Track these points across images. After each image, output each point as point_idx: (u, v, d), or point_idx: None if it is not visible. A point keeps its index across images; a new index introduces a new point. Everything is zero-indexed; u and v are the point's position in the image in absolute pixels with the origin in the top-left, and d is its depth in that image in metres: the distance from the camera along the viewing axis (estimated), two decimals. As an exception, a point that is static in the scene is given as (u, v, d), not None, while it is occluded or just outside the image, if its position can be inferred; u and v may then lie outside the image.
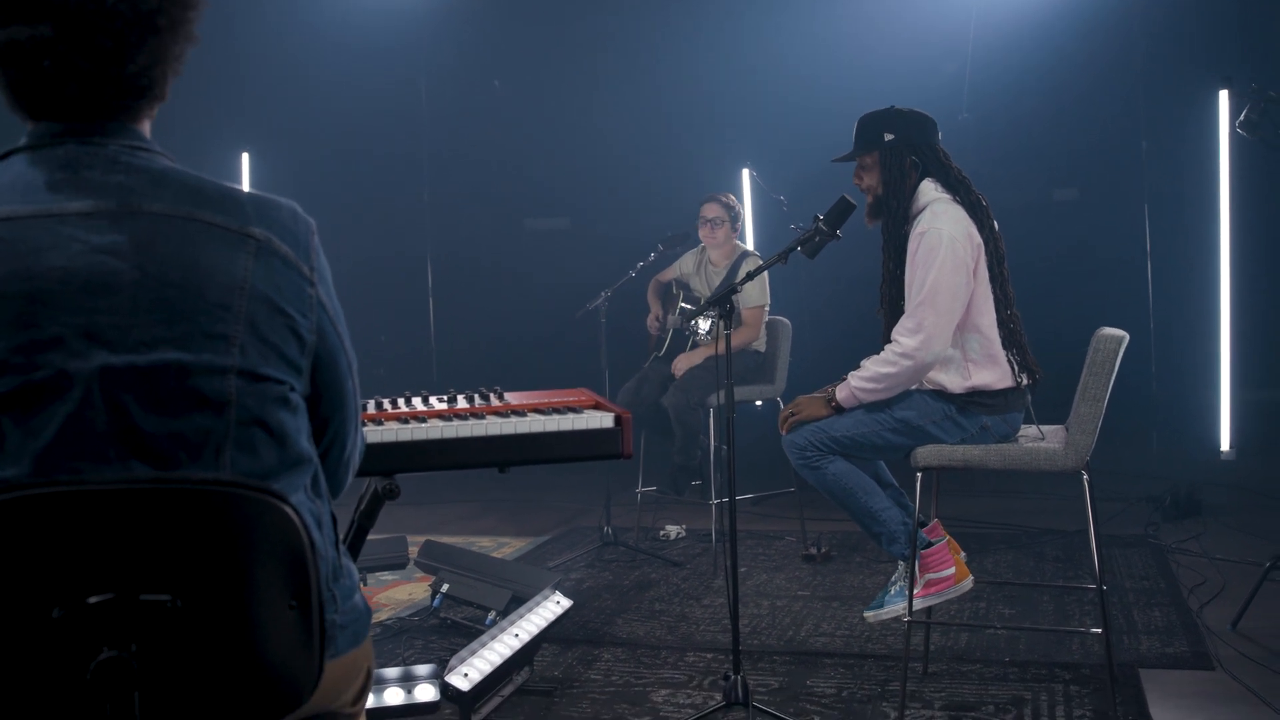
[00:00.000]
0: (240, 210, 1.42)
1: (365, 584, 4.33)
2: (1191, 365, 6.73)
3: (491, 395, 2.23)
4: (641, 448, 5.26)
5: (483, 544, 5.36)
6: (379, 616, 4.16)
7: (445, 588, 3.97)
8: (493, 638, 3.18)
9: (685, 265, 5.47)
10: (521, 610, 3.39)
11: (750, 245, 6.15)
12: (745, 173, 6.90)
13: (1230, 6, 6.63)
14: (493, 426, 2.04)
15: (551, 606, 3.50)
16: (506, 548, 5.35)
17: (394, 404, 2.20)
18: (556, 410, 2.13)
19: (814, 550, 4.90)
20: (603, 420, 2.09)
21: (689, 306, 5.32)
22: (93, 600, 1.23)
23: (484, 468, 2.07)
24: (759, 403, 5.90)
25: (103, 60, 1.36)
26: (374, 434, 2.00)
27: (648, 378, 5.25)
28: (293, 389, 1.44)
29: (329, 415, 1.53)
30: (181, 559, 1.27)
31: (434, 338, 8.18)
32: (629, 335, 5.74)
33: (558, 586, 3.71)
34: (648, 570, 4.81)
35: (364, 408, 2.14)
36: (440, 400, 2.23)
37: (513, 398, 2.23)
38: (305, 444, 1.46)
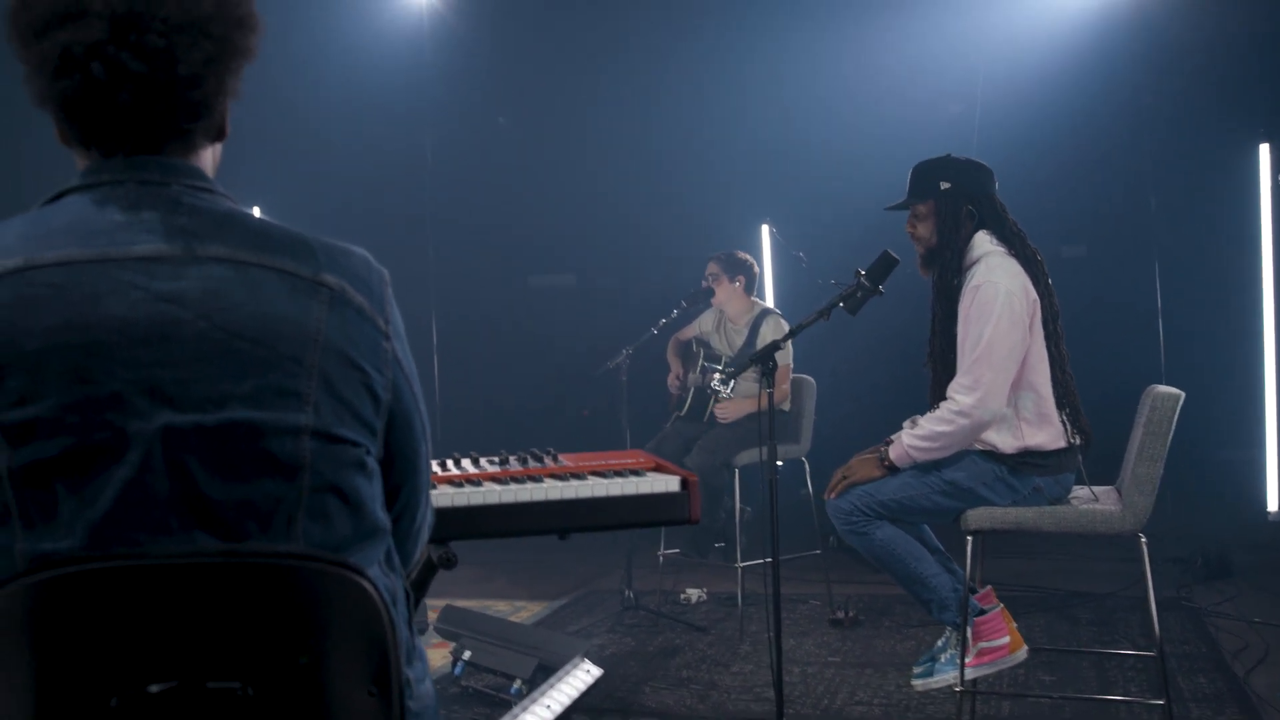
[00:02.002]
0: (312, 256, 1.31)
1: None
2: (1217, 424, 6.60)
3: (545, 457, 2.11)
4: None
5: (499, 608, 5.20)
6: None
7: (467, 655, 3.82)
8: (524, 709, 3.04)
9: (705, 323, 5.37)
10: (552, 680, 3.26)
11: (770, 302, 6.06)
12: (765, 229, 6.83)
13: (1267, 62, 6.59)
14: (553, 490, 1.92)
15: (582, 675, 3.36)
16: (524, 611, 5.19)
17: (443, 466, 2.08)
18: (618, 473, 2.00)
19: (841, 614, 4.75)
20: (669, 484, 1.97)
21: (711, 365, 5.20)
22: (154, 689, 1.11)
23: (544, 534, 1.94)
24: (780, 462, 5.77)
25: (154, 61, 1.25)
26: (427, 498, 1.88)
27: (668, 437, 5.13)
28: (368, 452, 1.32)
29: (400, 483, 1.41)
30: (252, 641, 1.15)
31: (438, 395, 8.06)
32: (647, 394, 5.62)
33: (586, 654, 3.56)
34: (671, 635, 4.65)
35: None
36: (490, 462, 2.11)
37: (567, 459, 2.11)
38: (380, 513, 1.34)
